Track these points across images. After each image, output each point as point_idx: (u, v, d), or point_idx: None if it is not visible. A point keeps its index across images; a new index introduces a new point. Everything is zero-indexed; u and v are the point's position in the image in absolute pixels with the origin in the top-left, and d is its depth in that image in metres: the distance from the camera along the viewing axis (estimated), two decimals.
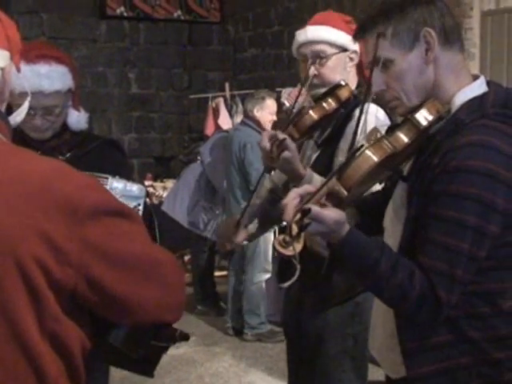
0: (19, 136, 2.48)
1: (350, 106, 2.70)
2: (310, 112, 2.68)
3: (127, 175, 2.47)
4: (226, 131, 6.90)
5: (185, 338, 1.77)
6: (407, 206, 1.92)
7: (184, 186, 6.76)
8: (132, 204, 2.19)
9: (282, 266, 2.53)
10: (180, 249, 7.68)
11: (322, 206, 1.84)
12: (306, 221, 1.80)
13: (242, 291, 6.18)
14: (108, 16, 8.93)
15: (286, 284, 1.89)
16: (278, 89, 7.32)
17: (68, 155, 2.68)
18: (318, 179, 2.56)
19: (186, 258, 7.93)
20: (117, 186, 2.20)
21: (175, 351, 5.41)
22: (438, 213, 1.81)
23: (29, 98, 1.80)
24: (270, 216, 2.88)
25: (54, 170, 1.53)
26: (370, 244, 1.86)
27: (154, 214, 2.38)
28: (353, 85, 2.79)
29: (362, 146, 1.90)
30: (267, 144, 2.55)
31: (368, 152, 1.86)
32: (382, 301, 1.93)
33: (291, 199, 1.87)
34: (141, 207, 2.24)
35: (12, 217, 1.45)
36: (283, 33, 8.37)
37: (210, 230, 6.54)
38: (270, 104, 6.21)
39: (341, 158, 2.65)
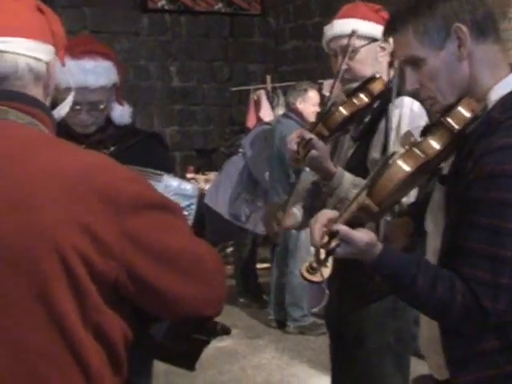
0: (64, 130, 2.50)
1: (384, 99, 2.65)
2: (340, 109, 2.64)
3: (170, 169, 2.47)
4: (268, 123, 6.89)
5: (226, 331, 1.77)
6: (445, 211, 1.86)
7: (226, 179, 6.77)
8: (185, 203, 2.18)
9: None
10: (222, 241, 7.70)
11: (352, 227, 1.77)
12: (334, 243, 1.75)
13: (284, 284, 6.17)
14: (150, 9, 8.97)
15: (316, 309, 1.85)
16: (320, 80, 7.28)
17: (112, 149, 2.70)
18: (348, 178, 2.54)
19: (228, 250, 7.94)
20: (171, 183, 2.18)
21: (218, 343, 5.42)
22: (476, 220, 1.74)
23: (73, 93, 1.81)
24: (313, 208, 2.87)
25: (96, 163, 1.54)
26: (405, 261, 1.81)
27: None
28: (387, 75, 2.73)
29: (393, 154, 1.84)
30: (294, 146, 2.54)
31: (399, 163, 1.79)
32: (426, 316, 1.89)
33: (317, 222, 1.81)
34: (194, 206, 2.22)
35: (54, 210, 1.46)
36: (324, 24, 8.32)
37: (252, 222, 6.53)
38: (313, 96, 6.19)
39: (374, 154, 2.62)
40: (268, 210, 2.99)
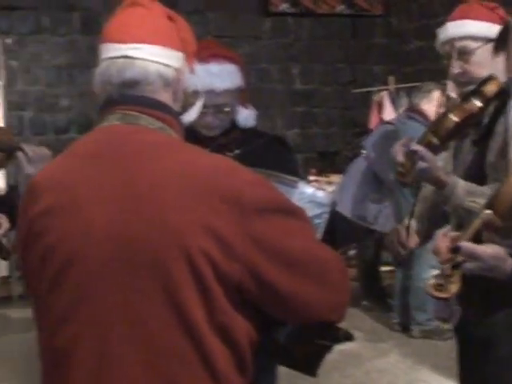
0: (191, 133, 2.54)
1: (501, 100, 2.53)
2: (450, 115, 2.55)
3: (294, 171, 2.47)
4: (390, 123, 6.81)
5: (348, 337, 1.76)
6: None
7: (349, 180, 6.73)
8: (318, 211, 2.17)
9: None
10: (348, 243, 7.64)
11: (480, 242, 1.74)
12: (459, 259, 1.73)
13: (409, 287, 6.09)
14: (272, 13, 9.03)
15: (449, 325, 1.83)
16: (443, 81, 7.15)
17: (236, 152, 2.72)
18: (462, 185, 2.46)
19: (351, 252, 7.89)
20: (306, 190, 2.18)
21: (341, 346, 5.38)
22: None
23: (202, 98, 1.84)
24: (439, 213, 2.81)
25: (221, 166, 1.56)
26: None
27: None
28: (504, 75, 2.60)
29: None
30: (401, 158, 2.48)
31: None
32: None
33: (442, 240, 1.81)
34: (326, 215, 2.21)
35: (180, 211, 1.49)
36: None
37: (380, 222, 6.46)
38: (437, 97, 6.10)
39: (491, 157, 2.53)
40: (390, 235, 2.95)
